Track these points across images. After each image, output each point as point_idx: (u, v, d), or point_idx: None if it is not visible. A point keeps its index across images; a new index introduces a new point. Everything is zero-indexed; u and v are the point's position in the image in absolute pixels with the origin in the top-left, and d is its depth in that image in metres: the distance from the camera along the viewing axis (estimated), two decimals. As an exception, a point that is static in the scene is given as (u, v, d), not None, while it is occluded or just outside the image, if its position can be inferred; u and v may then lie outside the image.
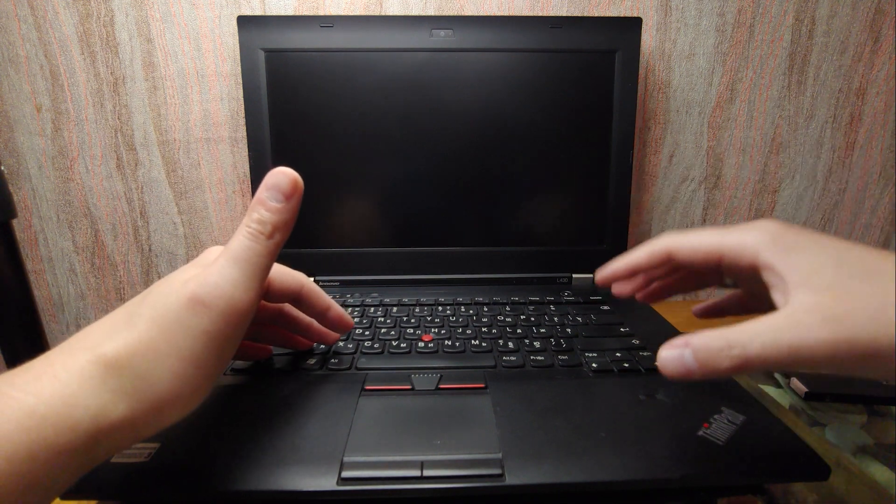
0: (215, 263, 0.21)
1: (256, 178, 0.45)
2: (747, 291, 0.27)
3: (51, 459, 0.16)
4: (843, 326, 0.17)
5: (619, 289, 0.29)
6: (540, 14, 0.49)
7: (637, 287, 0.29)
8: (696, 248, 0.23)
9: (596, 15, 0.49)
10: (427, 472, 0.21)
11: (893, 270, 0.18)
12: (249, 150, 0.44)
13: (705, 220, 0.55)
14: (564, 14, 0.49)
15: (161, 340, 0.19)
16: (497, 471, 0.21)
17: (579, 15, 0.49)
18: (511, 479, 0.21)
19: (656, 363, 0.20)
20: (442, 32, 0.44)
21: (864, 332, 0.17)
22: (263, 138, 0.44)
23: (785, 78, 0.51)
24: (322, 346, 0.33)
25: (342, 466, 0.22)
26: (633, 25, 0.44)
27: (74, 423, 0.16)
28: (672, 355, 0.19)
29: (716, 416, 0.25)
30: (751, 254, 0.21)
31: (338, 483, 0.21)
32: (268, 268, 0.22)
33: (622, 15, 0.49)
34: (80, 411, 0.17)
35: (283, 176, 0.22)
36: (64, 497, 0.21)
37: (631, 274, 0.26)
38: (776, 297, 0.20)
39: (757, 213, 0.55)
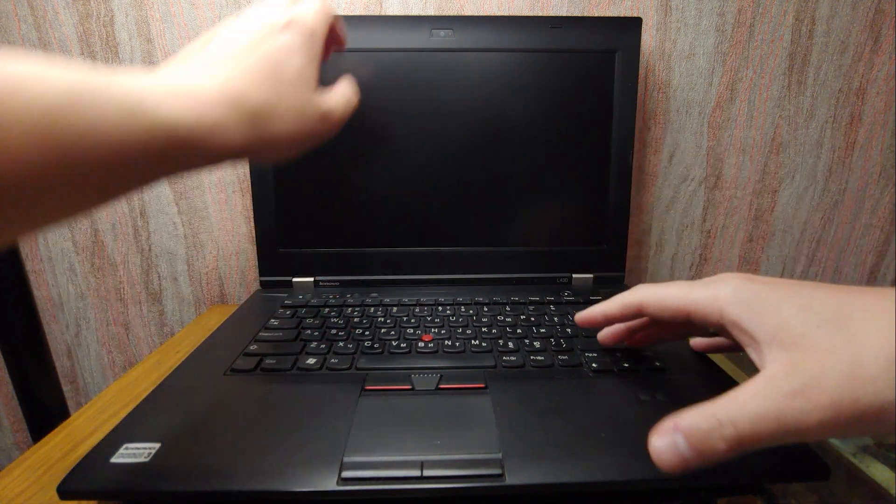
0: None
1: (256, 179, 0.45)
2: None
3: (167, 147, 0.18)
4: (822, 391, 0.16)
5: (604, 339, 0.31)
6: (540, 14, 0.49)
7: (622, 338, 0.31)
8: (665, 306, 0.24)
9: (596, 15, 0.49)
10: (427, 472, 0.21)
11: (862, 312, 0.17)
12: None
13: (705, 220, 0.55)
14: (564, 14, 0.49)
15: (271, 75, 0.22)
16: (497, 471, 0.21)
17: (579, 15, 0.49)
18: (511, 480, 0.21)
19: (650, 454, 0.18)
20: (442, 32, 0.43)
21: (847, 395, 0.16)
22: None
23: (785, 78, 0.51)
24: (321, 346, 0.34)
25: (342, 466, 0.22)
26: (633, 25, 0.44)
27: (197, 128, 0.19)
28: (664, 444, 0.18)
29: (716, 416, 0.25)
30: (716, 311, 0.21)
31: (338, 483, 0.21)
32: None
33: (622, 15, 0.49)
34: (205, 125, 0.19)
35: None
36: (64, 497, 0.21)
37: (606, 321, 0.28)
38: (751, 354, 0.20)
39: (757, 213, 0.55)
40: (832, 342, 0.17)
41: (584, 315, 0.29)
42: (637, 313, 0.26)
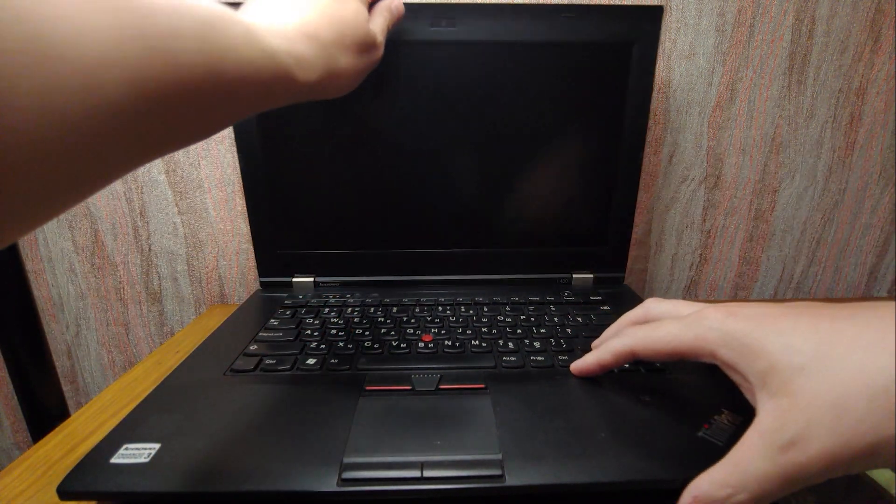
0: None
1: (248, 177, 0.44)
2: None
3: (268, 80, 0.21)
4: (812, 443, 0.17)
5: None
6: (549, 2, 0.47)
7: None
8: (655, 350, 0.25)
9: (609, 3, 0.44)
10: (427, 473, 0.21)
11: (844, 347, 0.18)
12: (238, 151, 0.43)
13: (705, 220, 0.55)
14: (575, 1, 0.45)
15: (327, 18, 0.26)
16: (497, 472, 0.21)
17: (590, 3, 0.45)
18: (511, 480, 0.21)
19: None
20: (443, 24, 0.41)
21: (836, 443, 0.17)
22: (254, 136, 0.44)
23: (785, 78, 0.51)
24: (321, 346, 0.34)
25: (342, 467, 0.22)
26: (652, 15, 0.41)
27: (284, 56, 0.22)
28: None
29: (716, 417, 0.25)
30: (708, 353, 0.22)
31: (338, 484, 0.21)
32: None
33: (638, 3, 0.45)
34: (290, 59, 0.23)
35: None
36: (64, 497, 0.21)
37: (601, 370, 0.28)
38: (745, 394, 0.21)
39: (757, 213, 0.55)
40: (816, 387, 0.18)
41: (580, 366, 0.29)
42: (630, 358, 0.26)
